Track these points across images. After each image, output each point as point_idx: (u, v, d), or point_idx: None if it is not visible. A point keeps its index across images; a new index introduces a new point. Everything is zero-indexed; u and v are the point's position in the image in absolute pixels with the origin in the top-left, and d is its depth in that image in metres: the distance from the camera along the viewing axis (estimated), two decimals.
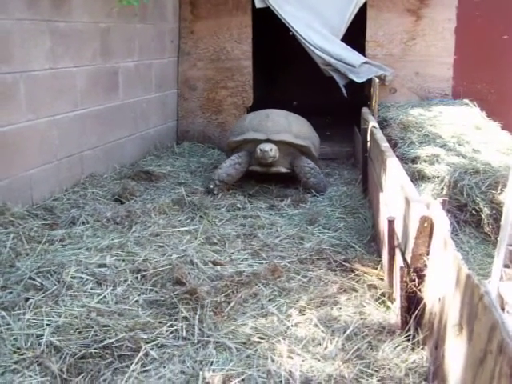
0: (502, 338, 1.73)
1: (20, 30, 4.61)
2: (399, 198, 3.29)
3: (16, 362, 2.66)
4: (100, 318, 3.03)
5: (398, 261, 3.05)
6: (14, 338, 2.84)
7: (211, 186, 5.44)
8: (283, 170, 5.72)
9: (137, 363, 2.71)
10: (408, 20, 7.09)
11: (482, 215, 4.51)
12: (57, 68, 5.08)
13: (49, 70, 4.98)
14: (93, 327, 2.93)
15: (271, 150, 5.46)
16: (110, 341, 2.83)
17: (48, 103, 5.00)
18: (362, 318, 3.15)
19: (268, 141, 5.60)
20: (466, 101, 6.84)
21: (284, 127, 5.77)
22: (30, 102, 4.77)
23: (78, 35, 5.36)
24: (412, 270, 2.84)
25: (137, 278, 3.51)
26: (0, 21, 4.42)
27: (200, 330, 3.00)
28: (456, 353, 2.20)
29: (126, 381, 2.59)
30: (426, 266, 2.80)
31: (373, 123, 5.30)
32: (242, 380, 2.58)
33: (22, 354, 2.71)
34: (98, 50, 5.70)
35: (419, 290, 2.83)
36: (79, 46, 5.39)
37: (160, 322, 3.05)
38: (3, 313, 3.03)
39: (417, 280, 2.83)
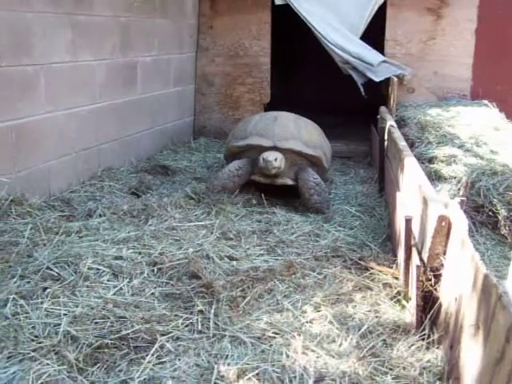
0: None
1: (42, 23, 4.65)
2: (417, 197, 3.28)
3: (34, 350, 2.69)
4: (116, 309, 3.05)
5: (415, 260, 3.05)
6: (32, 327, 2.87)
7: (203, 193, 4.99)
8: (290, 182, 5.08)
9: (152, 355, 2.73)
10: (428, 19, 7.07)
11: (499, 217, 4.48)
12: (77, 61, 5.12)
13: (69, 62, 5.02)
14: (109, 318, 2.96)
15: (276, 159, 4.85)
16: (126, 332, 2.85)
17: (67, 96, 5.04)
18: (376, 316, 3.14)
19: (274, 148, 5.01)
20: (485, 101, 6.80)
21: (293, 133, 5.16)
22: (50, 94, 4.80)
23: (99, 29, 5.40)
24: (428, 269, 2.84)
25: (153, 270, 3.53)
26: (22, 13, 4.46)
27: (215, 323, 3.02)
28: (472, 353, 2.20)
29: (142, 372, 2.61)
30: (442, 265, 2.79)
31: (390, 122, 5.29)
32: (257, 374, 2.59)
33: (39, 343, 2.74)
34: (117, 43, 5.73)
35: (435, 289, 2.83)
36: (99, 40, 5.43)
37: (176, 315, 3.07)
38: (22, 301, 3.07)
39: (433, 279, 2.83)
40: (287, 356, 2.74)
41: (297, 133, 5.18)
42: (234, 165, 5.14)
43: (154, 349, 2.77)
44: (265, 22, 7.34)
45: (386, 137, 5.26)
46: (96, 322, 2.93)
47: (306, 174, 5.03)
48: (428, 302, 2.88)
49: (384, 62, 6.96)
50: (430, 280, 2.84)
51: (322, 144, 5.39)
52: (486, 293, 2.11)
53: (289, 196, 5.18)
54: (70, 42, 5.00)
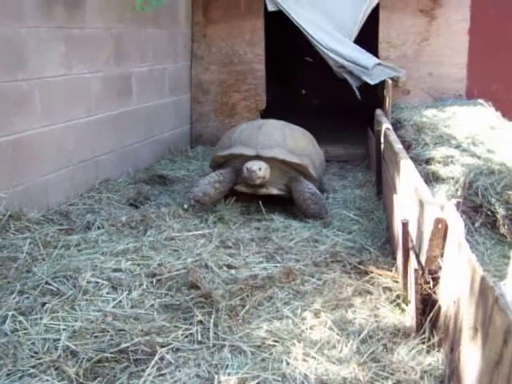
0: None
1: (35, 38, 4.66)
2: (413, 200, 3.28)
3: (33, 367, 2.68)
4: (116, 322, 3.05)
5: (413, 263, 3.05)
6: (32, 343, 2.86)
7: (185, 206, 4.87)
8: (275, 191, 4.98)
9: (152, 367, 2.72)
10: (421, 21, 7.09)
11: (498, 216, 4.47)
12: (71, 74, 5.13)
13: (63, 76, 5.03)
14: (109, 331, 2.95)
15: (260, 169, 4.74)
16: (126, 345, 2.84)
17: (63, 109, 5.04)
18: (376, 321, 3.14)
19: (257, 157, 4.88)
20: (481, 101, 6.81)
21: (277, 141, 5.01)
22: (45, 108, 4.81)
23: (92, 41, 5.41)
24: (426, 272, 2.83)
25: (152, 282, 3.52)
26: (15, 29, 4.47)
27: (215, 333, 3.01)
28: (472, 355, 2.19)
29: None
30: (440, 268, 2.79)
31: (386, 125, 5.29)
32: (257, 383, 2.58)
33: (39, 359, 2.73)
34: (111, 55, 5.74)
35: (434, 292, 2.82)
36: (93, 52, 5.44)
37: (175, 326, 3.06)
38: (20, 317, 3.06)
39: (431, 282, 2.82)
40: (287, 364, 2.73)
41: (282, 141, 5.05)
42: (216, 172, 5.06)
43: (154, 361, 2.76)
44: (258, 29, 7.36)
45: (382, 139, 5.26)
46: (95, 336, 2.93)
47: (300, 185, 4.93)
48: (427, 305, 2.87)
49: (378, 64, 6.97)
50: (429, 283, 2.83)
51: (310, 152, 5.23)
52: (483, 295, 2.10)
53: (287, 202, 5.16)
54: (64, 56, 5.01)
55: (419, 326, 2.91)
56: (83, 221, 4.59)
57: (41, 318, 3.07)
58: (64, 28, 5.00)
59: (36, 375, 2.63)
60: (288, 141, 5.08)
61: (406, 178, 3.70)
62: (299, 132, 5.40)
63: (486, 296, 2.06)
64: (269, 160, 4.89)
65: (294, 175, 5.02)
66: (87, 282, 3.45)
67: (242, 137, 5.12)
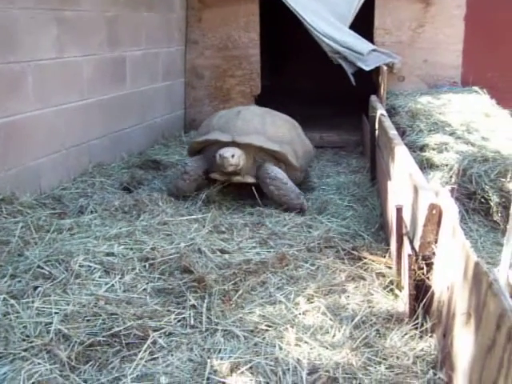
0: (511, 325, 1.72)
1: (27, 19, 4.61)
2: (407, 185, 3.27)
3: (25, 350, 2.67)
4: (108, 306, 3.03)
5: (406, 249, 3.04)
6: (23, 326, 2.85)
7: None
8: (250, 180, 4.75)
9: (145, 351, 2.71)
10: (417, 7, 7.05)
11: (491, 203, 4.48)
12: (64, 57, 5.09)
13: (56, 59, 4.98)
14: (101, 315, 2.94)
15: (233, 156, 4.54)
16: (118, 329, 2.83)
17: (55, 92, 5.00)
18: (370, 306, 3.14)
19: (234, 143, 4.68)
20: (476, 88, 6.79)
21: (256, 128, 4.79)
22: (38, 91, 4.77)
23: (85, 24, 5.35)
24: (420, 257, 2.83)
25: (145, 266, 3.50)
26: (7, 10, 4.42)
27: (208, 318, 3.01)
28: (464, 341, 2.19)
29: (134, 368, 2.60)
30: (434, 253, 2.78)
31: (381, 111, 5.27)
32: (250, 368, 2.58)
33: (30, 342, 2.72)
34: (104, 38, 5.69)
35: (427, 277, 2.82)
36: (86, 35, 5.39)
37: (168, 310, 3.05)
38: (12, 301, 3.04)
39: (425, 268, 2.82)
40: (280, 348, 2.73)
41: (261, 127, 4.83)
42: (181, 164, 4.94)
43: (146, 345, 2.75)
44: (253, 14, 7.31)
45: (376, 126, 5.25)
46: (88, 320, 2.91)
47: (263, 169, 4.71)
48: (421, 291, 2.87)
49: (374, 50, 6.94)
50: (422, 269, 2.83)
51: (292, 140, 4.99)
52: (476, 281, 2.10)
53: None
54: (56, 38, 4.96)
55: (412, 311, 2.91)
56: (76, 205, 4.58)
57: (33, 302, 3.06)
58: (57, 10, 4.94)
59: (28, 358, 2.61)
60: (267, 127, 4.87)
61: (401, 164, 3.69)
62: (281, 119, 5.15)
63: (479, 282, 2.06)
64: (245, 147, 4.70)
65: (262, 162, 4.79)
66: (79, 266, 3.43)
67: (220, 123, 4.92)
